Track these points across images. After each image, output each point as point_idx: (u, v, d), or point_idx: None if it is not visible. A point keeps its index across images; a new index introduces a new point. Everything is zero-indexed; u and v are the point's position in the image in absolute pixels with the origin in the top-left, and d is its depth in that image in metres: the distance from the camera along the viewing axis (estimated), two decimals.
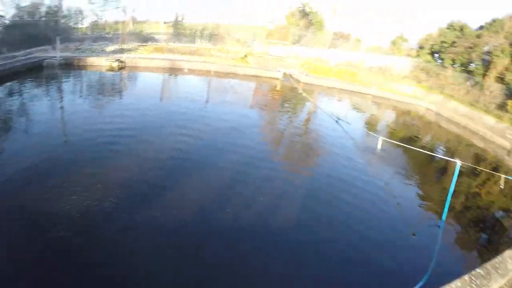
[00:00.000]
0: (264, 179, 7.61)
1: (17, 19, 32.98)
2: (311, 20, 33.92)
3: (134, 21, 42.88)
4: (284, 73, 18.07)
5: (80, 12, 36.13)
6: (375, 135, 10.99)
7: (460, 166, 7.00)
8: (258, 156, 8.73)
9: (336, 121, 12.30)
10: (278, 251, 5.50)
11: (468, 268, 4.86)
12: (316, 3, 33.98)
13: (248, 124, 11.09)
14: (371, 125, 13.78)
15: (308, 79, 18.17)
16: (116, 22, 42.03)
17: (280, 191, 7.22)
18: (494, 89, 17.72)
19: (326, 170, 8.60)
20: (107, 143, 9.13)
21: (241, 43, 26.14)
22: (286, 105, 14.34)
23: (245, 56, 21.25)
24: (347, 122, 12.40)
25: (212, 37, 28.91)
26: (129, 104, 13.09)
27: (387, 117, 16.39)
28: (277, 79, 17.80)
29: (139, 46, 26.78)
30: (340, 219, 6.54)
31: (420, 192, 8.50)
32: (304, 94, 14.75)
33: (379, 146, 10.01)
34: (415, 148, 9.88)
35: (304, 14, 34.35)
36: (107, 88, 17.05)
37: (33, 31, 31.15)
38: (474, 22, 26.36)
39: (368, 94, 18.53)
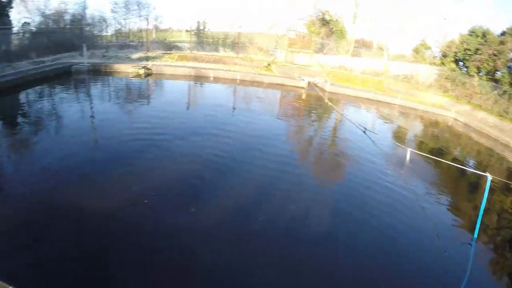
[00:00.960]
0: (293, 186, 7.72)
1: (43, 26, 33.98)
2: (332, 28, 33.86)
3: (157, 29, 43.64)
4: (309, 82, 18.04)
5: (104, 20, 37.02)
6: (403, 146, 10.87)
7: (492, 181, 6.77)
8: (287, 164, 8.78)
9: (364, 132, 12.20)
10: (312, 258, 5.58)
11: None
12: (335, 11, 33.97)
13: (275, 132, 11.16)
14: (398, 136, 13.51)
15: (333, 88, 18.10)
16: (140, 30, 42.91)
17: (309, 199, 7.28)
18: None
19: (354, 181, 8.51)
20: (139, 145, 9.46)
21: (263, 52, 26.26)
22: (313, 114, 14.30)
23: (269, 64, 21.35)
24: (374, 133, 12.26)
25: (235, 45, 29.22)
26: (158, 110, 13.34)
27: (415, 128, 16.13)
28: (302, 88, 17.78)
29: (163, 54, 27.16)
30: (369, 230, 6.43)
31: (451, 207, 8.21)
32: (330, 104, 14.68)
33: (407, 157, 9.92)
34: (445, 161, 9.71)
35: (324, 22, 34.33)
36: (135, 93, 17.39)
37: (59, 38, 32.07)
38: (495, 26, 25.66)
39: (394, 103, 18.34)
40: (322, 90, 17.66)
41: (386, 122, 15.54)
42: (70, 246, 5.34)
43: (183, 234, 5.67)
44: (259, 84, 18.25)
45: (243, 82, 19.01)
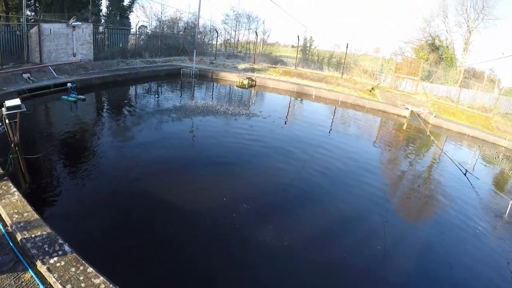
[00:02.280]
0: (379, 221, 7.53)
1: (158, 30, 37.75)
2: (441, 55, 32.60)
3: (264, 42, 45.76)
4: (412, 111, 17.88)
5: (215, 30, 39.91)
6: (505, 196, 9.81)
7: None
8: (375, 196, 8.73)
9: (465, 174, 11.76)
10: None
11: None
12: (445, 35, 32.61)
13: (370, 161, 11.20)
14: (501, 183, 12.52)
15: (436, 120, 17.68)
16: (247, 42, 45.57)
17: (394, 237, 7.01)
18: None
19: (442, 227, 7.90)
20: (234, 150, 10.49)
21: (368, 74, 26.27)
22: (411, 146, 13.98)
23: (373, 89, 21.41)
24: (476, 176, 11.50)
25: (340, 65, 29.58)
26: (257, 120, 14.46)
27: None
28: (405, 117, 17.62)
29: (269, 67, 28.37)
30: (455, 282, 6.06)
31: None
32: (432, 138, 14.50)
33: (508, 210, 9.02)
34: None
35: (434, 48, 33.12)
36: (237, 101, 18.74)
37: (171, 42, 35.71)
38: None
39: (501, 145, 17.31)
40: (425, 121, 17.36)
41: (489, 166, 14.79)
42: (141, 233, 6.17)
43: (263, 247, 6.01)
44: (360, 108, 18.47)
45: (344, 104, 19.36)
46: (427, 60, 29.67)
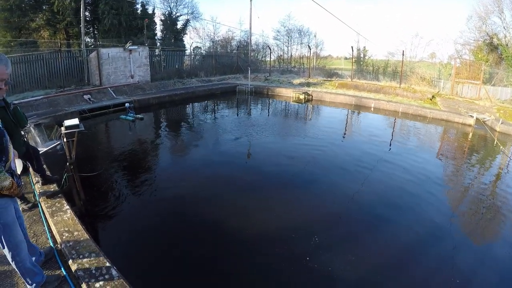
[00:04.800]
0: (449, 242, 6.64)
1: (211, 50, 39.45)
2: (500, 55, 31.27)
3: (317, 56, 46.35)
4: (477, 118, 17.49)
5: (267, 46, 41.03)
6: None
7: None
8: (437, 212, 7.94)
9: None
10: None
11: None
12: (504, 33, 31.18)
13: (432, 176, 10.45)
14: None
15: (504, 127, 17.13)
16: (301, 57, 46.46)
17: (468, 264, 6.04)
18: None
19: (507, 246, 6.81)
20: (292, 168, 10.49)
21: (426, 82, 25.88)
22: (478, 156, 13.25)
23: (433, 97, 21.11)
24: None
25: (396, 74, 29.34)
26: (316, 134, 14.75)
27: None
28: (470, 125, 17.23)
29: (324, 80, 28.72)
30: None
31: None
32: (501, 147, 14.13)
33: None
34: None
35: (492, 47, 31.83)
36: (294, 116, 19.37)
37: (225, 61, 37.32)
38: None
39: None
40: (492, 129, 16.93)
41: None
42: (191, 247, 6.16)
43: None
44: (422, 118, 18.31)
45: (405, 115, 19.27)
46: (487, 62, 28.61)
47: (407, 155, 12.35)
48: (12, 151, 3.51)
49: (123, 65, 24.30)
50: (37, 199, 6.45)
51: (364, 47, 46.29)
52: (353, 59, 30.40)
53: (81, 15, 26.02)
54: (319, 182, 9.60)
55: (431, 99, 20.85)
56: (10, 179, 3.27)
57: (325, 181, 9.75)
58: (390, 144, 13.82)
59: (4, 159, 3.29)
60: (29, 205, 6.27)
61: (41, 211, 6.06)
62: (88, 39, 31.84)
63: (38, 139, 12.24)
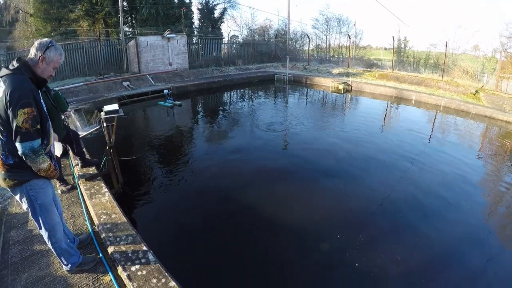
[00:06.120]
0: (486, 252, 6.08)
1: (249, 38, 39.61)
2: None
3: (356, 46, 45.67)
4: None
5: (306, 35, 40.73)
6: None
7: None
8: (471, 216, 7.48)
9: None
10: None
11: None
12: None
13: (469, 175, 9.86)
14: None
15: None
16: (339, 46, 45.89)
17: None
18: None
19: None
20: (330, 161, 10.32)
21: (469, 76, 25.12)
22: None
23: (477, 92, 20.56)
24: None
25: (438, 66, 28.49)
26: (356, 126, 14.66)
27: None
28: None
29: (364, 71, 28.40)
30: None
31: None
32: None
33: None
34: None
35: None
36: (333, 107, 19.38)
37: (263, 49, 37.41)
38: None
39: None
40: None
41: None
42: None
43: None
44: (464, 114, 17.90)
45: (446, 109, 18.94)
46: None
47: (444, 151, 11.98)
48: (53, 135, 3.66)
49: (162, 53, 25.06)
50: (76, 181, 6.68)
51: (405, 37, 45.32)
52: (394, 50, 29.73)
53: (119, 5, 26.88)
54: (355, 177, 9.33)
55: (474, 94, 20.28)
56: (48, 162, 3.38)
57: (361, 175, 9.34)
58: (430, 139, 13.51)
59: (46, 142, 3.41)
60: (68, 187, 6.51)
61: (79, 193, 6.26)
62: (126, 29, 32.88)
63: (78, 124, 13.02)
